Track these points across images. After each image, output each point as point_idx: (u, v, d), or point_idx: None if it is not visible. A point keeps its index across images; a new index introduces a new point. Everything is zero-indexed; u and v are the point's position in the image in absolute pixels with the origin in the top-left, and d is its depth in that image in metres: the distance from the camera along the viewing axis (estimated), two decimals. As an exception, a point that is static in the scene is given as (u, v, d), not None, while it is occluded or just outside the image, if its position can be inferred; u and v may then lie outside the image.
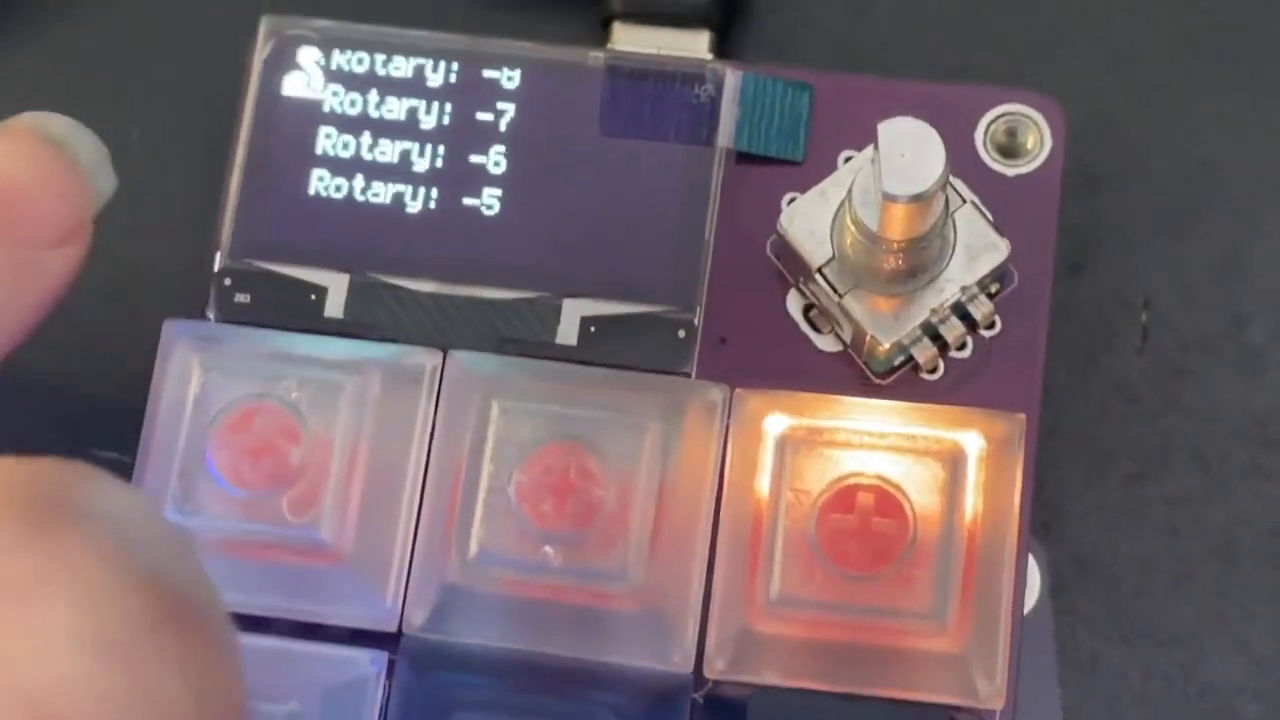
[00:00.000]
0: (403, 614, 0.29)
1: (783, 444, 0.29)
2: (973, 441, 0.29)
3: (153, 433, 0.29)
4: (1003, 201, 0.30)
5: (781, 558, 0.28)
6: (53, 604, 0.20)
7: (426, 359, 0.30)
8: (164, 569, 0.21)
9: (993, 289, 0.30)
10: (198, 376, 0.29)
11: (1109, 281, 0.32)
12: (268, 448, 0.29)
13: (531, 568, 0.29)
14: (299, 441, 0.29)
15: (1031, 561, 0.30)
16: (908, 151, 0.28)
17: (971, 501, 0.29)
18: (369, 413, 0.29)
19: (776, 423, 0.29)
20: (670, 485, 0.29)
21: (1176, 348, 0.32)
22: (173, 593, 0.21)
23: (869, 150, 0.29)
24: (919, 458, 0.29)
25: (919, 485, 0.28)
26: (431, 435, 0.29)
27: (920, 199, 0.28)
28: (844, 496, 0.28)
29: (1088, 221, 0.33)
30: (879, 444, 0.29)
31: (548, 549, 0.29)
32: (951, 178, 0.29)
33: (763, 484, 0.29)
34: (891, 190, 0.28)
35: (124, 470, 0.30)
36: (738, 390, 0.29)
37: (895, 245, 0.29)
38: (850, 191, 0.29)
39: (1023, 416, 0.29)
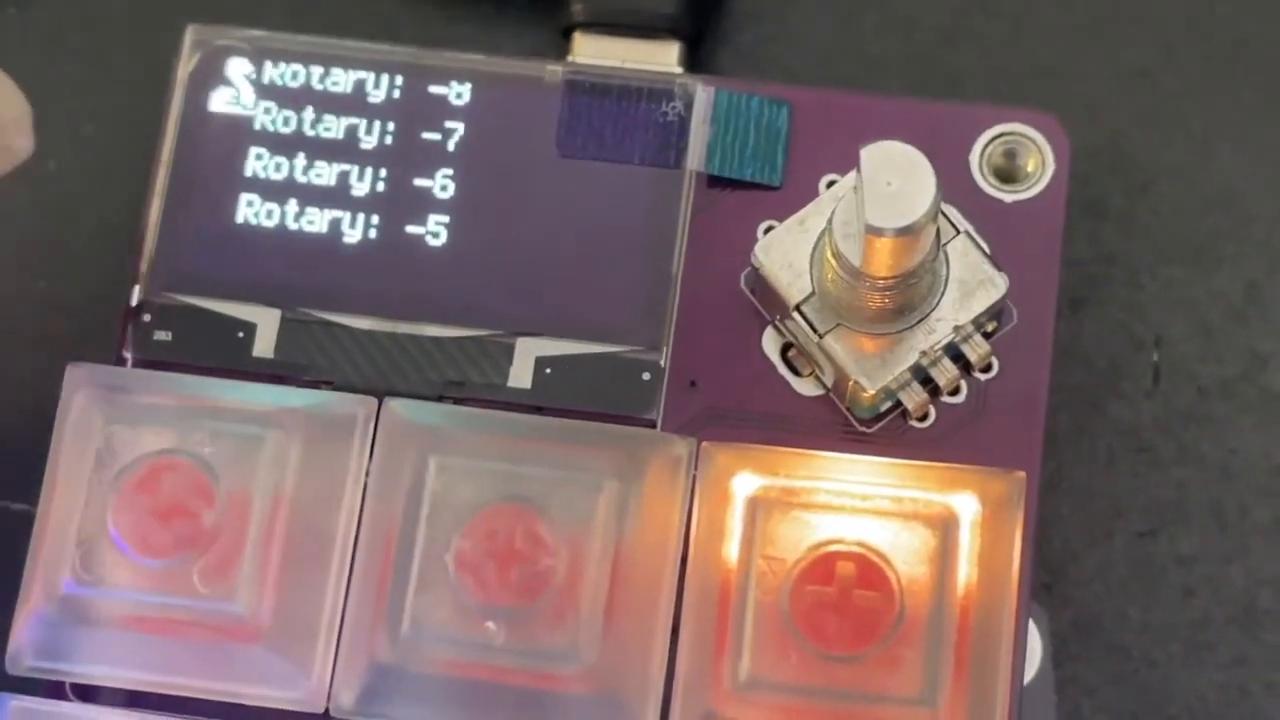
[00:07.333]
0: (330, 694, 0.28)
1: (753, 506, 0.28)
2: (967, 504, 0.28)
3: (52, 491, 0.28)
4: (1000, 231, 0.29)
5: (752, 635, 0.27)
6: None
7: (358, 408, 0.28)
8: None
9: (989, 328, 0.29)
10: (101, 428, 0.28)
11: (1117, 319, 0.31)
12: (177, 509, 0.27)
13: (472, 646, 0.27)
14: (212, 502, 0.27)
15: (1032, 627, 0.29)
16: (894, 179, 0.26)
17: (965, 571, 0.27)
18: (291, 469, 0.28)
19: (747, 482, 0.28)
20: (628, 552, 0.28)
21: (1191, 392, 0.31)
22: None
23: (852, 175, 0.28)
24: (906, 522, 0.27)
25: (906, 553, 0.27)
26: (363, 495, 0.28)
27: (908, 232, 0.26)
28: (822, 566, 0.27)
29: (1093, 253, 0.32)
30: (861, 507, 0.28)
31: (490, 624, 0.27)
32: (944, 205, 0.28)
33: (731, 551, 0.28)
34: (876, 222, 0.26)
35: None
36: (704, 444, 0.28)
37: (881, 282, 0.27)
38: (831, 222, 0.27)
39: (1022, 475, 0.28)
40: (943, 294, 0.28)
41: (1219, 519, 0.30)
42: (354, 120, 0.30)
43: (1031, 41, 0.32)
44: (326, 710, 0.27)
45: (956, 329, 0.28)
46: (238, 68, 0.30)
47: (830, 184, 0.29)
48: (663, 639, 0.27)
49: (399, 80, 0.30)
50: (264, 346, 0.29)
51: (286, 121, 0.30)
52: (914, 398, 0.28)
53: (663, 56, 0.30)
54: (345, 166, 0.30)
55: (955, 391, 0.29)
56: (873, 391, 0.28)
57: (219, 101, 0.30)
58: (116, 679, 0.27)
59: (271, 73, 0.30)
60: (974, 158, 0.29)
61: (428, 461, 0.28)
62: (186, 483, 0.27)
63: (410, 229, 0.29)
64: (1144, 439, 0.31)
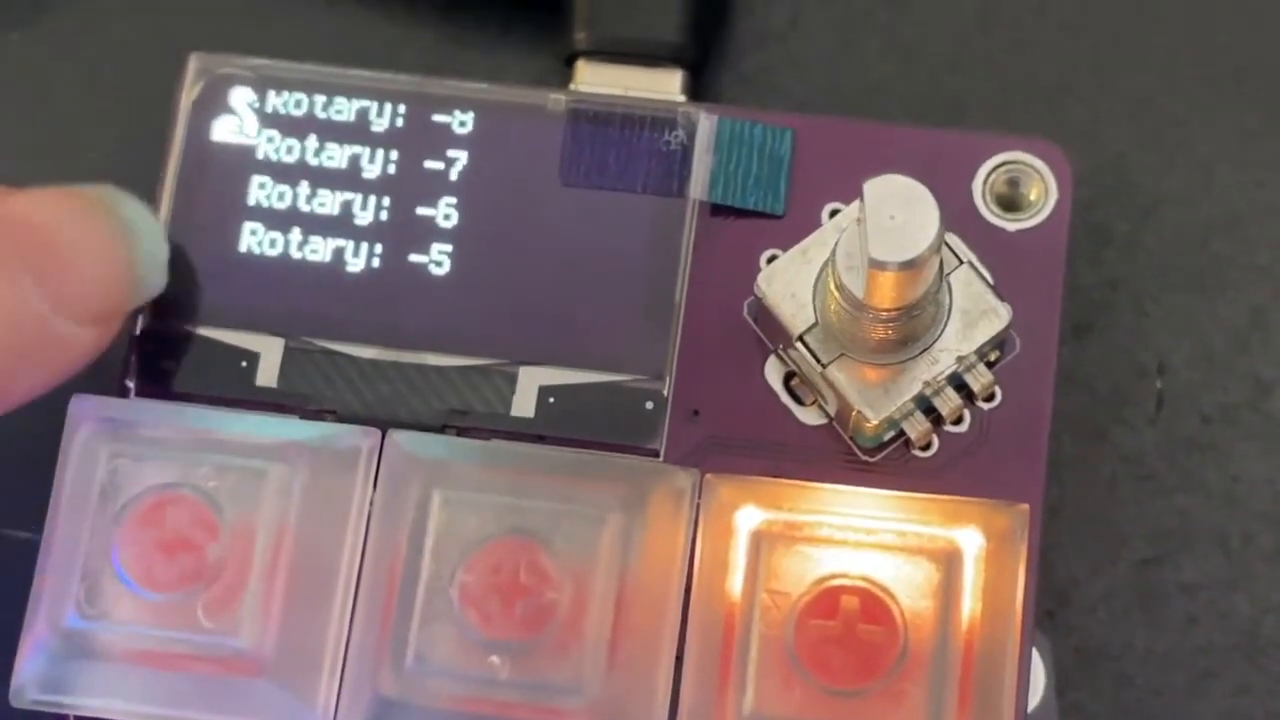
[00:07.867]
0: (333, 728, 0.27)
1: (757, 540, 0.27)
2: (971, 539, 0.27)
3: (55, 525, 0.28)
4: (1003, 259, 0.29)
5: (756, 669, 0.27)
6: None
7: (362, 440, 0.28)
8: None
9: (992, 357, 0.29)
10: (105, 462, 0.28)
11: (1120, 346, 0.31)
12: (181, 543, 0.27)
13: (476, 680, 0.27)
14: (216, 536, 0.27)
15: (1035, 655, 0.29)
16: (897, 213, 0.26)
17: (969, 605, 0.27)
18: (295, 503, 0.28)
19: (750, 516, 0.28)
20: (631, 585, 0.27)
21: (1194, 418, 0.31)
22: None
23: (855, 206, 0.27)
24: (910, 557, 0.27)
25: (910, 588, 0.27)
26: (366, 528, 0.28)
27: (912, 266, 0.26)
28: (826, 600, 0.27)
29: (1097, 281, 0.31)
30: (865, 541, 0.27)
31: (494, 659, 0.27)
32: (946, 235, 0.28)
33: (735, 584, 0.27)
34: (879, 257, 0.26)
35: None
36: (708, 476, 0.28)
37: (884, 314, 0.27)
38: (834, 254, 0.27)
39: (1025, 508, 0.28)
40: (946, 324, 0.28)
41: (1223, 546, 0.30)
42: (357, 149, 0.30)
43: (1034, 67, 0.32)
44: (331, 743, 0.27)
45: (960, 359, 0.28)
46: (241, 96, 0.30)
47: (833, 213, 0.29)
48: (667, 672, 0.27)
49: (402, 109, 0.30)
50: (267, 376, 0.29)
51: (289, 150, 0.30)
52: (917, 427, 0.28)
53: (666, 84, 0.30)
54: (348, 195, 0.29)
55: (958, 421, 0.28)
56: (876, 421, 0.28)
57: (222, 130, 0.30)
58: (121, 712, 0.27)
59: (274, 101, 0.30)
60: (977, 186, 0.29)
61: (431, 495, 0.27)
62: (190, 516, 0.27)
63: (413, 258, 0.29)
64: (1147, 466, 0.31)
